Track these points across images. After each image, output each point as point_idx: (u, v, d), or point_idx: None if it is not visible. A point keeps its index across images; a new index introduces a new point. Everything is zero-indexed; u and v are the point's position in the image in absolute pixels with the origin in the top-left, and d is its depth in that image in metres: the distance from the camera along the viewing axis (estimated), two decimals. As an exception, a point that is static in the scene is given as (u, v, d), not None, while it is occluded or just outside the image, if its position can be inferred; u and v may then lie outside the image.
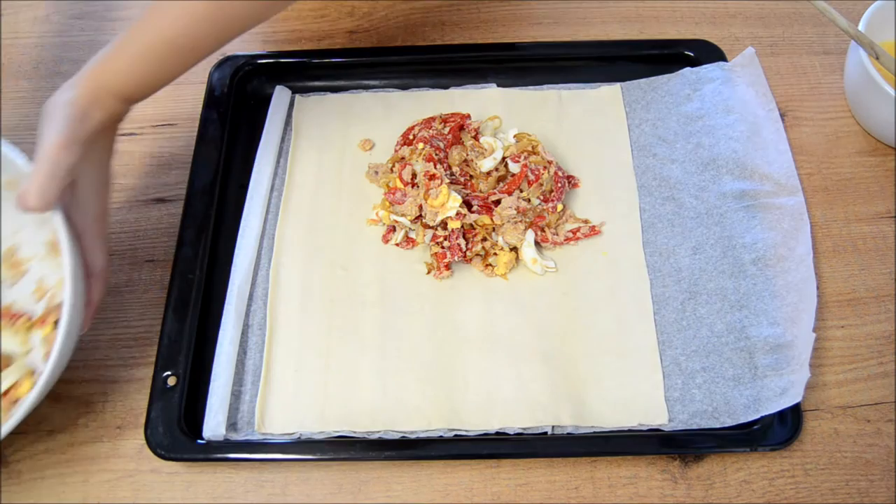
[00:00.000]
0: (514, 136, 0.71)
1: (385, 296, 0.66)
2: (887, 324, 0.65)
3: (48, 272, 0.62)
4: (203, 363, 0.63)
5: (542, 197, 0.68)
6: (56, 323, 0.58)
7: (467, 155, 0.70)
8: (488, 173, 0.69)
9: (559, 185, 0.68)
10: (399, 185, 0.67)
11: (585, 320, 0.64)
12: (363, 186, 0.72)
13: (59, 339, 0.54)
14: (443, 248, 0.66)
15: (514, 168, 0.69)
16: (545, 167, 0.68)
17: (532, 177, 0.68)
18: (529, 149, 0.70)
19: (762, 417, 0.59)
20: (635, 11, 0.83)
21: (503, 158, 0.70)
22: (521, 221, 0.67)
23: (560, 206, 0.68)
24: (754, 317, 0.63)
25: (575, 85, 0.77)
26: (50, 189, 0.54)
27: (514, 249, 0.67)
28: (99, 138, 0.57)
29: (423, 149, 0.68)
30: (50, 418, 0.62)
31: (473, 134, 0.71)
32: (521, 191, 0.68)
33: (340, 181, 0.72)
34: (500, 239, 0.67)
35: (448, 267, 0.66)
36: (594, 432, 0.60)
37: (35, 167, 0.54)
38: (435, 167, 0.66)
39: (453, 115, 0.72)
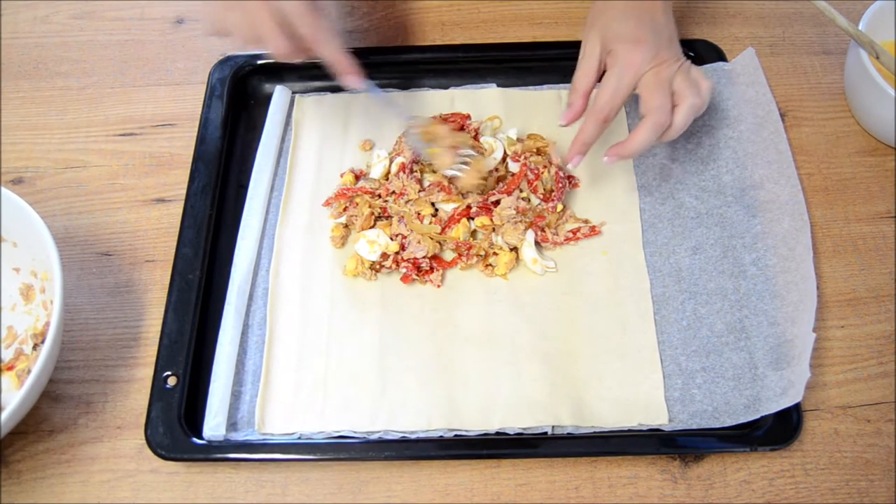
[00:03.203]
0: (529, 137, 0.71)
1: (385, 296, 0.66)
2: (887, 324, 0.65)
3: (18, 320, 0.64)
4: (203, 363, 0.63)
5: (542, 197, 0.68)
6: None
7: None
8: (488, 173, 0.69)
9: (559, 185, 0.68)
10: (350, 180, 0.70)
11: (585, 320, 0.64)
12: (363, 186, 0.72)
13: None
14: (400, 270, 0.66)
15: (513, 168, 0.69)
16: (545, 166, 0.68)
17: (532, 176, 0.68)
18: (534, 150, 0.70)
19: (762, 417, 0.59)
20: (635, 11, 0.83)
21: (503, 158, 0.70)
22: (521, 221, 0.67)
23: (560, 206, 0.68)
24: (754, 317, 0.63)
25: (575, 85, 0.77)
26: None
27: (515, 249, 0.67)
28: None
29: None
30: (50, 418, 0.62)
31: (473, 134, 0.71)
32: (521, 191, 0.68)
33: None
34: (499, 239, 0.67)
35: (435, 275, 0.66)
36: (594, 432, 0.60)
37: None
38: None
39: (453, 115, 0.72)
